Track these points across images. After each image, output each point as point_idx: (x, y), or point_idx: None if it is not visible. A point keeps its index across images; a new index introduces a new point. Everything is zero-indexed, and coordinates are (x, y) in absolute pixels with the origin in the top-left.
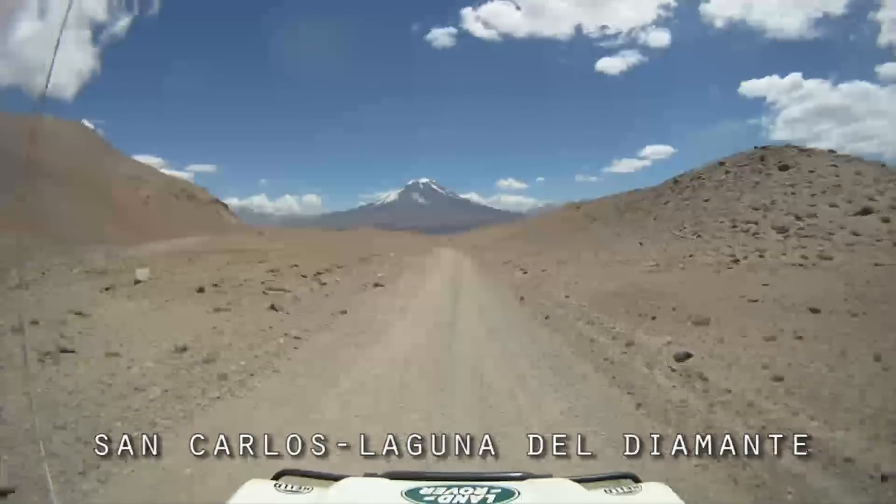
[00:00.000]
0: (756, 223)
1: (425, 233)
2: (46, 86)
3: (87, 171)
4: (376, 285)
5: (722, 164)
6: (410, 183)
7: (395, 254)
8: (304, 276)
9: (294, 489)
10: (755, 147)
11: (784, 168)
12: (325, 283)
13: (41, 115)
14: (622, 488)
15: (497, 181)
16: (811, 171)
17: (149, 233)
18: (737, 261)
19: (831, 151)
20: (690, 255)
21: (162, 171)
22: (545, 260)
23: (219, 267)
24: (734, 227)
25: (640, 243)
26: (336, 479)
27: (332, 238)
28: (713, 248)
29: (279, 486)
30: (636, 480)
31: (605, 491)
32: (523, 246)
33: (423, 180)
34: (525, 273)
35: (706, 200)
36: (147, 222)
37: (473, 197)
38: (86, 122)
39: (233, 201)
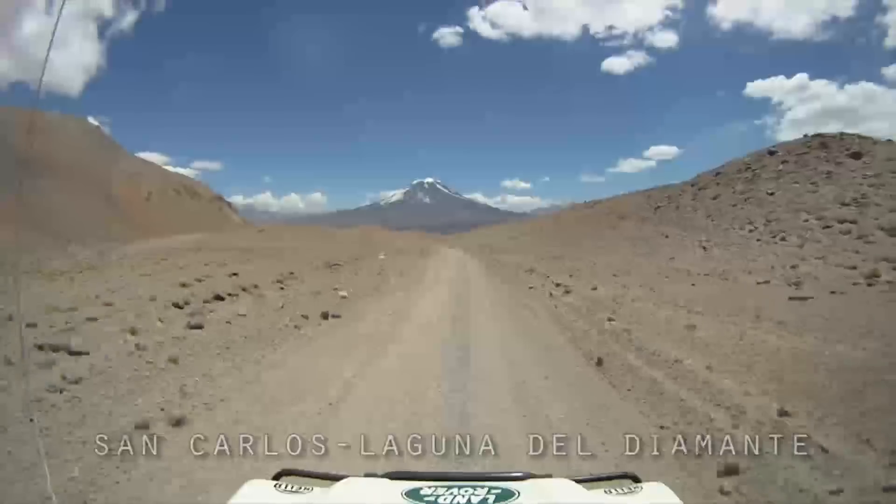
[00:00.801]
0: (854, 222)
1: (430, 232)
2: (41, 79)
3: (91, 168)
4: (326, 317)
5: (772, 152)
6: (416, 182)
7: (388, 255)
8: (179, 307)
9: (294, 489)
10: (804, 135)
11: (856, 156)
12: (198, 327)
13: (45, 112)
14: (622, 488)
15: (502, 181)
16: (889, 160)
17: (150, 229)
18: (876, 276)
19: (889, 141)
20: (794, 266)
21: (167, 167)
22: (582, 267)
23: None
24: (826, 227)
25: (703, 247)
26: (336, 479)
27: (329, 236)
28: (817, 256)
29: (279, 486)
30: (636, 480)
31: (605, 491)
32: (542, 247)
33: (429, 180)
34: (568, 292)
35: (771, 193)
36: (149, 219)
37: (478, 197)
38: (91, 119)
39: (238, 199)
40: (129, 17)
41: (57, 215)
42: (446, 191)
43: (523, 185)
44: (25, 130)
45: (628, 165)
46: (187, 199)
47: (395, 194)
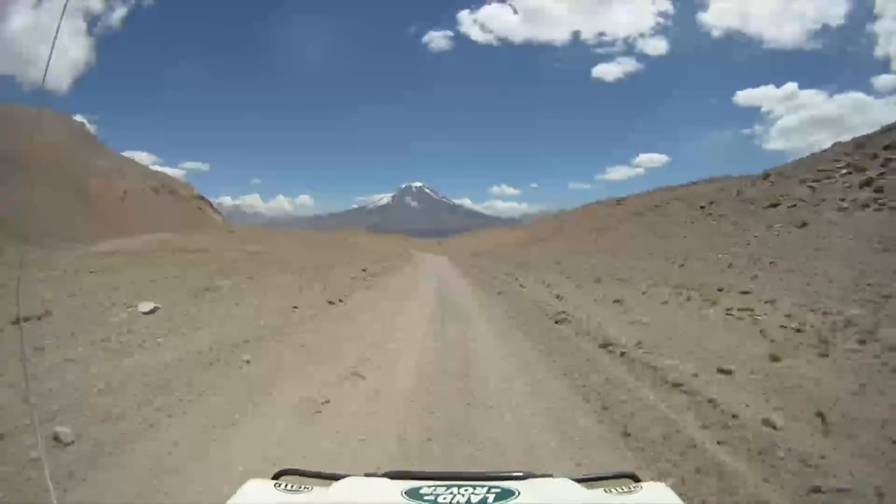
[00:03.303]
0: None
1: (417, 237)
2: (44, 77)
3: (65, 164)
4: None
5: None
6: (404, 186)
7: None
8: None
9: (294, 489)
10: None
11: None
12: None
13: (20, 106)
14: (622, 488)
15: (490, 187)
16: None
17: (124, 228)
18: None
19: None
20: None
21: (155, 167)
22: None
23: None
24: None
25: None
26: (336, 478)
27: (301, 239)
28: None
29: (279, 485)
30: (636, 480)
31: (605, 490)
32: (622, 262)
33: (417, 184)
34: None
35: None
36: (122, 217)
37: (466, 202)
38: (79, 118)
39: (226, 200)
40: (118, 13)
41: (21, 213)
42: (434, 195)
43: (511, 191)
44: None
45: (617, 173)
46: (166, 198)
47: (383, 198)
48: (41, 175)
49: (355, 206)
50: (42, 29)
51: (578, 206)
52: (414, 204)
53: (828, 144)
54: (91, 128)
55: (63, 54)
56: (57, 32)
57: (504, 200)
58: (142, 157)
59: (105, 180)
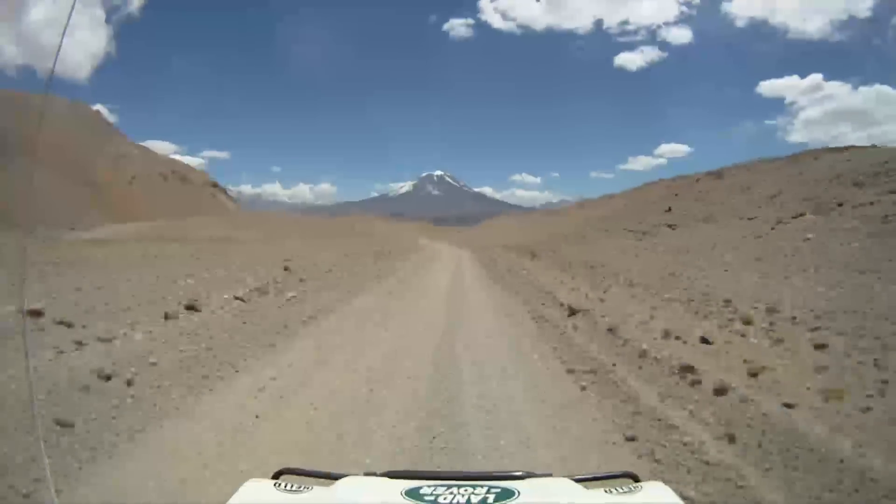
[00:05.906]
0: None
1: (438, 224)
2: (53, 65)
3: (72, 151)
4: None
5: None
6: (425, 175)
7: None
8: None
9: (294, 488)
10: None
11: None
12: None
13: (36, 95)
14: (621, 488)
15: (511, 175)
16: None
17: (131, 214)
18: None
19: None
20: None
21: (174, 156)
22: None
23: None
24: None
25: None
26: (336, 478)
27: (306, 225)
28: None
29: (279, 485)
30: (636, 480)
31: (605, 490)
32: None
33: (438, 172)
34: None
35: None
36: (129, 203)
37: (487, 190)
38: (99, 107)
39: (246, 188)
40: (137, 1)
41: (20, 197)
42: (455, 184)
43: (532, 179)
44: (11, 112)
45: (638, 163)
46: (176, 185)
47: (405, 186)
48: (46, 162)
49: (376, 193)
50: (61, 20)
51: (603, 192)
52: (435, 192)
53: (851, 139)
54: (111, 117)
55: (82, 44)
56: (68, 20)
57: (525, 189)
58: (163, 147)
59: (113, 167)
